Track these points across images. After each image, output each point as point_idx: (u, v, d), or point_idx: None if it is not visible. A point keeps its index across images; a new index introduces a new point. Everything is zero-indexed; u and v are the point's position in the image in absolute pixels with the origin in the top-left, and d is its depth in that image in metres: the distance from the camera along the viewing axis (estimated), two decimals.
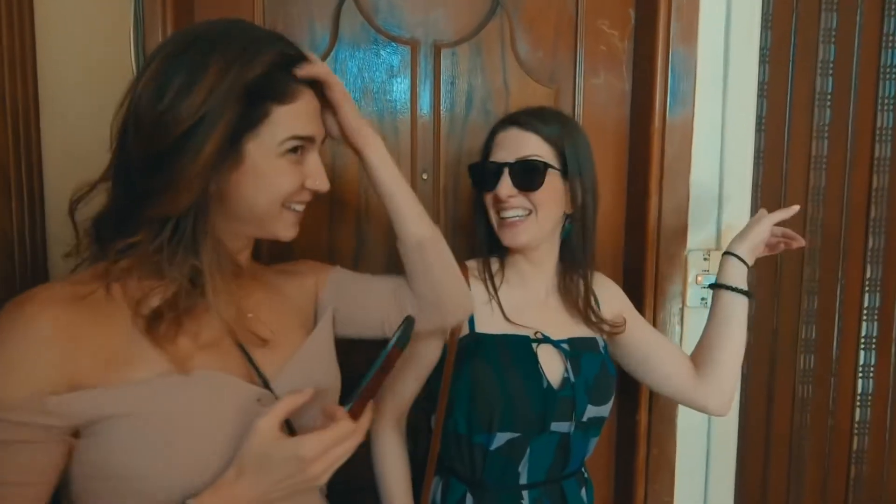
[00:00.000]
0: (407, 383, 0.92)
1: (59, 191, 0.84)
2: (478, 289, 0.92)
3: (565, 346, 0.90)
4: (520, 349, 0.88)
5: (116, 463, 0.54)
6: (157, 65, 0.58)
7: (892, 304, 1.23)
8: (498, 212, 0.88)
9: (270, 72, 0.59)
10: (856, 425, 1.26)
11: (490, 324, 0.90)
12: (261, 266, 0.77)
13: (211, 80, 0.56)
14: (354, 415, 0.58)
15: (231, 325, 0.62)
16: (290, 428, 0.63)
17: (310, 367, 0.70)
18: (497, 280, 0.93)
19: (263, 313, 0.69)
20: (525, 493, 0.88)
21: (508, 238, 0.88)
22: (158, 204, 0.57)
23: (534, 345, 0.88)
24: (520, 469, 0.87)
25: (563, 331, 0.92)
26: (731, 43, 1.12)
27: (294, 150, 0.63)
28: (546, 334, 0.90)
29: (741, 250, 0.95)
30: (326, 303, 0.79)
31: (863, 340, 1.24)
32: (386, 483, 0.90)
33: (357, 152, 0.75)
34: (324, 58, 1.10)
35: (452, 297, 0.80)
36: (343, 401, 0.62)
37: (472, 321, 0.89)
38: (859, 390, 1.25)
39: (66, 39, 0.87)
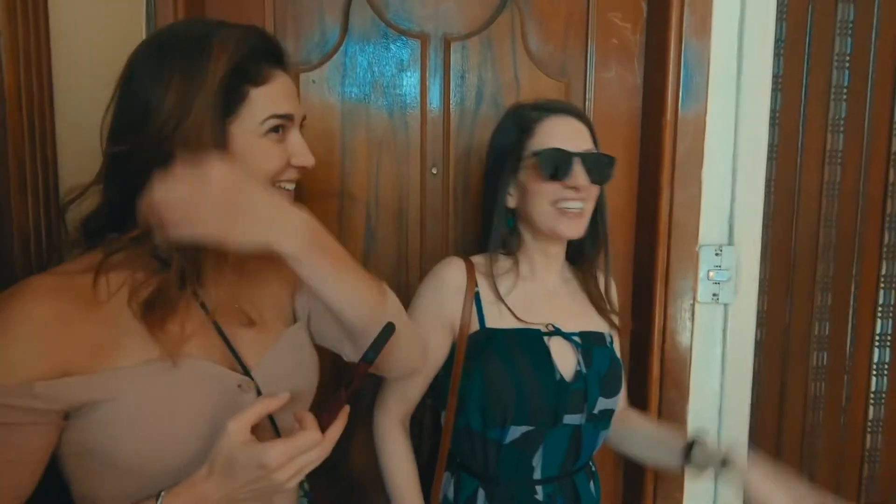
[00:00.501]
0: (415, 383, 0.91)
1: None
2: (486, 286, 0.91)
3: (576, 338, 0.90)
4: (531, 342, 0.88)
5: (102, 444, 0.57)
6: (138, 69, 0.61)
7: None
8: (557, 201, 0.86)
9: (243, 59, 0.62)
10: (869, 423, 1.25)
11: (500, 320, 0.89)
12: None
13: (187, 80, 0.58)
14: (323, 426, 0.59)
15: (216, 313, 0.65)
16: (273, 426, 0.65)
17: (289, 357, 0.72)
18: (511, 277, 0.92)
19: (246, 304, 0.71)
20: (539, 489, 0.88)
21: (571, 229, 0.86)
22: None
23: (545, 338, 0.88)
24: (534, 463, 0.87)
25: (574, 324, 0.92)
26: (745, 35, 1.10)
27: (276, 129, 0.65)
28: (557, 327, 0.90)
29: (744, 467, 0.82)
30: (301, 303, 0.80)
31: (877, 338, 1.23)
32: (395, 482, 0.90)
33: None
34: (334, 52, 1.10)
35: (402, 358, 0.77)
36: (319, 405, 0.64)
37: (481, 317, 0.89)
38: (873, 388, 1.24)
39: (80, 38, 0.88)
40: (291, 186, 0.70)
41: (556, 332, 0.89)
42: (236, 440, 0.56)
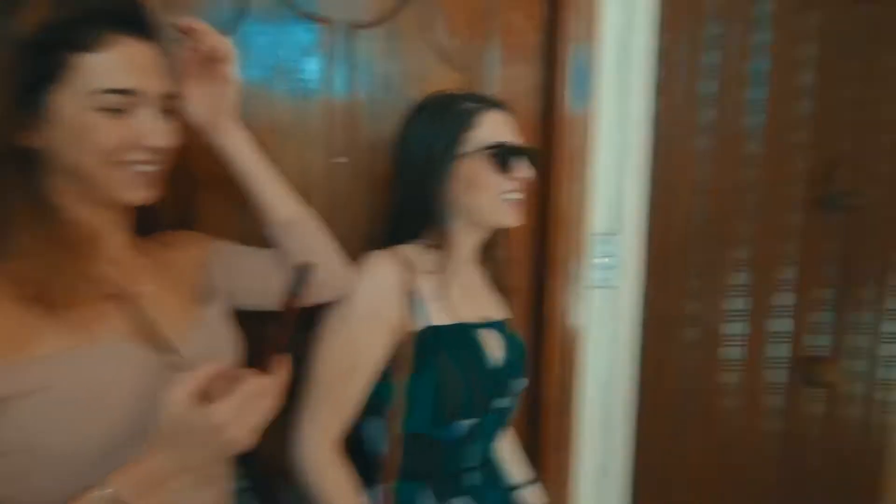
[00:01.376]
0: (351, 392, 0.83)
1: None
2: (424, 282, 0.89)
3: (501, 326, 0.95)
4: (471, 336, 0.89)
5: (29, 439, 0.53)
6: None
7: (760, 282, 1.41)
8: (503, 193, 0.88)
9: (67, 19, 0.56)
10: (725, 386, 1.44)
11: (440, 315, 0.88)
12: (144, 241, 0.76)
13: None
14: (263, 371, 0.57)
15: (130, 296, 0.63)
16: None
17: (212, 334, 0.72)
18: (449, 270, 0.91)
19: (158, 286, 0.70)
20: (476, 474, 0.92)
21: (515, 218, 0.90)
22: None
23: (480, 330, 0.91)
24: (473, 451, 0.90)
25: (495, 312, 0.97)
26: (630, 43, 1.20)
27: (115, 103, 0.60)
28: (489, 318, 0.94)
29: None
30: (216, 275, 0.80)
31: (733, 313, 1.42)
32: None
33: (215, 138, 0.76)
34: (229, 31, 1.03)
35: (326, 274, 0.82)
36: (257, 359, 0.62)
37: (424, 315, 0.86)
38: (728, 356, 1.42)
39: None
40: (148, 168, 0.64)
41: (489, 323, 0.93)
42: (178, 408, 0.52)
